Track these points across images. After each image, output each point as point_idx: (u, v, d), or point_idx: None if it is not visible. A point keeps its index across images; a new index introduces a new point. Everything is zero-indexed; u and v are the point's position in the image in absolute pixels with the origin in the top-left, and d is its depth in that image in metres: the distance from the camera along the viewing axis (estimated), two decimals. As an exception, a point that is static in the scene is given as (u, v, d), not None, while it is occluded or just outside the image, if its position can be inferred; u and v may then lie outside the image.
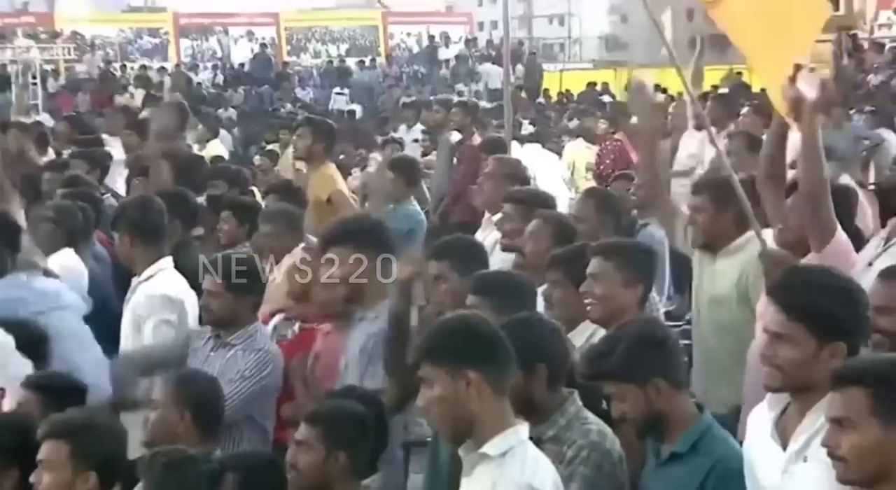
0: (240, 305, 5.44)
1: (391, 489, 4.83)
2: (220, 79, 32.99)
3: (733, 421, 4.65)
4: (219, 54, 35.62)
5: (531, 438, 3.72)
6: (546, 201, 6.55)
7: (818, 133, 4.91)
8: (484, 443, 3.59)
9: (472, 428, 3.59)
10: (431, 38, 36.34)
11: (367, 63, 34.34)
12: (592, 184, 10.97)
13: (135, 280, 6.03)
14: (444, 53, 35.49)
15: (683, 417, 3.91)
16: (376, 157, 15.01)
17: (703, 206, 5.72)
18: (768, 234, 5.27)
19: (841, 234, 5.03)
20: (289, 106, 29.04)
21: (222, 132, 17.73)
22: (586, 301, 4.87)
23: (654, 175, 6.03)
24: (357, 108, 29.72)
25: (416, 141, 15.73)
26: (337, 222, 5.72)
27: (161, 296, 5.87)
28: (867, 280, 4.38)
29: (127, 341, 5.95)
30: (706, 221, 5.70)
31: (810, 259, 4.99)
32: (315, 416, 4.38)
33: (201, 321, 5.74)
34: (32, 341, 5.35)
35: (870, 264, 5.19)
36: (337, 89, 30.80)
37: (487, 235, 7.06)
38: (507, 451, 3.58)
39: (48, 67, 30.05)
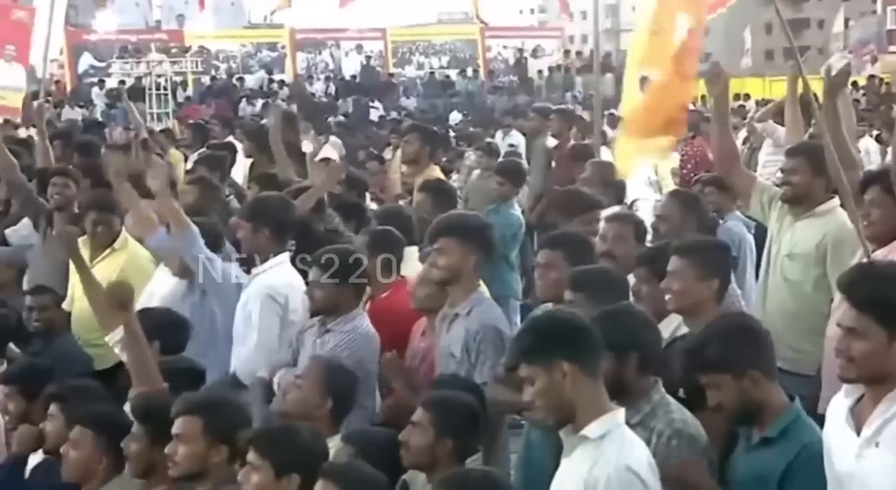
0: (341, 295, 5.48)
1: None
2: (331, 89, 33.26)
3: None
4: (331, 67, 35.89)
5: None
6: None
7: None
8: (583, 426, 3.60)
9: (573, 414, 3.60)
10: (521, 51, 36.34)
11: (469, 73, 34.45)
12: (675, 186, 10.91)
13: (254, 270, 6.11)
14: (537, 65, 35.44)
15: (775, 406, 3.90)
16: (470, 156, 15.04)
17: (800, 168, 5.76)
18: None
19: None
20: (394, 114, 29.19)
21: (332, 138, 17.85)
22: (666, 296, 4.86)
23: (728, 142, 6.02)
24: (458, 115, 29.77)
25: (511, 146, 15.71)
26: (446, 215, 5.79)
27: (268, 286, 5.95)
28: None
29: (239, 326, 6.03)
30: (801, 181, 5.76)
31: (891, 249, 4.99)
32: (431, 401, 4.43)
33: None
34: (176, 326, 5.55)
35: None
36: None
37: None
38: (605, 433, 3.58)
39: (177, 79, 30.51)
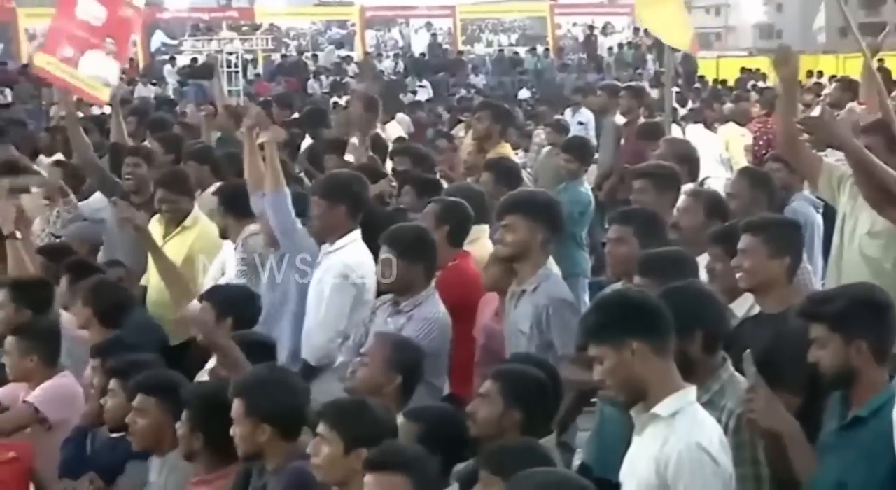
0: (412, 273, 5.45)
1: None
2: (400, 67, 33.30)
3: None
4: (400, 44, 35.93)
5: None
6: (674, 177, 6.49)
7: None
8: (654, 405, 3.58)
9: (644, 392, 3.59)
10: (591, 28, 36.11)
11: (538, 51, 34.33)
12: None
13: (324, 247, 6.07)
14: (607, 42, 35.23)
15: (874, 383, 3.80)
16: (540, 134, 14.99)
17: (875, 146, 5.67)
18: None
19: None
20: (463, 91, 29.17)
21: (400, 115, 17.89)
22: (737, 274, 4.81)
23: (792, 126, 5.93)
24: (527, 93, 29.70)
25: (580, 123, 15.64)
26: (515, 192, 5.78)
27: (345, 264, 5.91)
28: None
29: (311, 304, 6.00)
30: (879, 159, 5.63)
31: None
32: (499, 372, 4.42)
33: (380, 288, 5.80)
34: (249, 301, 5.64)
35: None
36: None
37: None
38: (676, 411, 3.57)
39: (248, 57, 30.70)
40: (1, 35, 32.70)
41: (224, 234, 6.66)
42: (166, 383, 4.92)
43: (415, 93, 29.49)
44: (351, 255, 5.96)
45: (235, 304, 5.55)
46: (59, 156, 10.33)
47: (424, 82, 30.93)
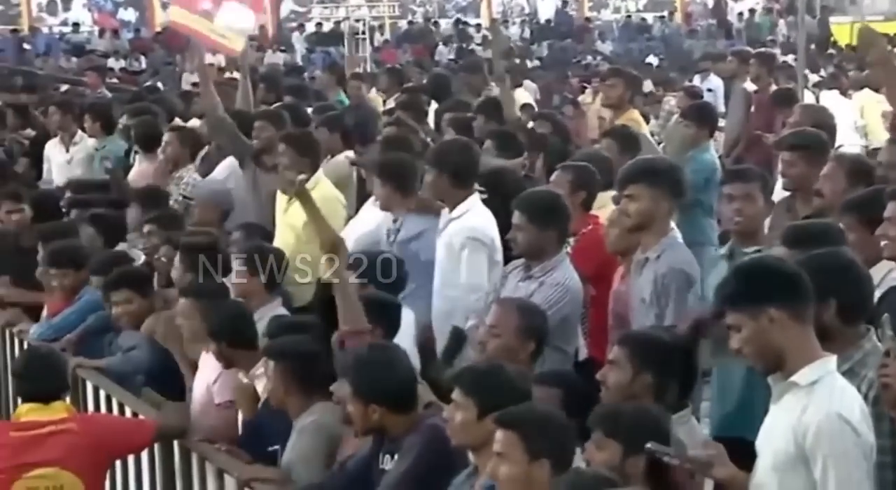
0: (543, 238, 5.45)
1: None
2: (527, 33, 33.17)
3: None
4: (526, 10, 35.77)
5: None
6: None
7: None
8: (793, 373, 3.52)
9: (783, 360, 3.53)
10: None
11: (666, 17, 33.90)
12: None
13: (445, 215, 6.14)
14: (737, 7, 34.60)
15: None
16: (670, 101, 14.82)
17: None
18: None
19: None
20: (589, 58, 28.94)
21: (527, 82, 17.80)
22: (883, 242, 4.69)
23: None
24: (654, 60, 29.33)
25: (709, 90, 15.42)
26: (637, 161, 5.75)
27: (471, 227, 5.99)
28: None
29: (443, 272, 6.07)
30: None
31: None
32: (626, 338, 4.43)
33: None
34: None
35: None
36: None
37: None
38: (816, 380, 3.50)
39: (374, 24, 30.87)
40: (135, 3, 33.38)
41: (387, 207, 6.65)
42: (285, 348, 5.02)
43: (540, 59, 29.33)
44: (474, 218, 6.05)
45: (376, 270, 5.61)
46: (194, 121, 10.53)
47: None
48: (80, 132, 9.89)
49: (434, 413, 4.43)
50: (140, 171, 8.89)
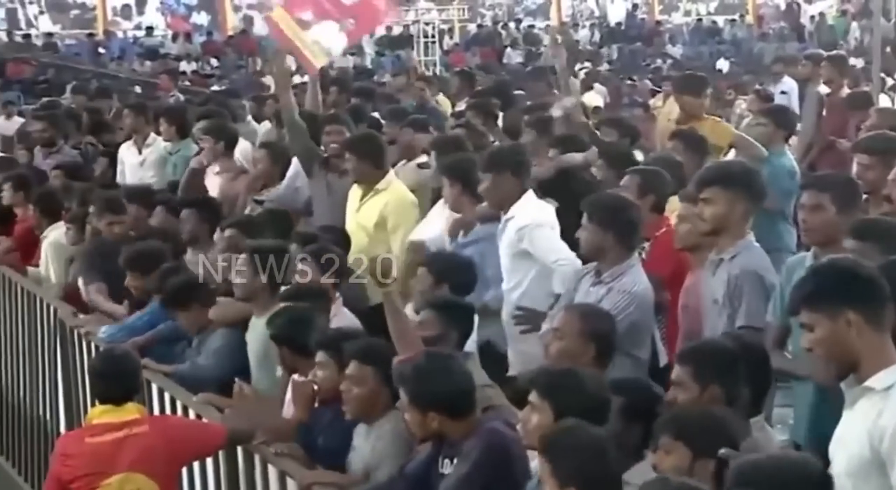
0: (604, 240, 5.41)
1: None
2: (596, 37, 33.07)
3: None
4: (596, 14, 35.65)
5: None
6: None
7: None
8: (867, 377, 3.49)
9: (856, 365, 3.50)
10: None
11: (737, 20, 33.64)
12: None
13: (503, 217, 6.15)
14: (810, 10, 34.24)
15: None
16: (741, 104, 14.66)
17: None
18: None
19: None
20: (659, 61, 28.80)
21: (597, 85, 17.74)
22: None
23: None
24: (725, 63, 29.12)
25: (783, 93, 15.25)
26: (712, 165, 5.71)
27: (531, 216, 6.03)
28: None
29: (509, 272, 6.11)
30: None
31: None
32: (684, 356, 4.33)
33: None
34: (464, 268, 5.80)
35: None
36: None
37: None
38: (891, 385, 3.46)
39: (444, 27, 30.94)
40: (207, 6, 33.74)
41: (456, 208, 6.65)
42: (379, 352, 4.97)
43: (610, 62, 29.22)
44: (531, 210, 6.09)
45: (452, 270, 5.65)
46: (266, 123, 10.58)
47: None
48: (152, 134, 9.98)
49: (493, 416, 4.43)
50: (214, 180, 8.77)
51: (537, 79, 10.74)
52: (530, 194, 6.21)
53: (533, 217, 6.06)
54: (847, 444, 3.52)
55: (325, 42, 8.48)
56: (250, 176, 8.51)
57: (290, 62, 9.75)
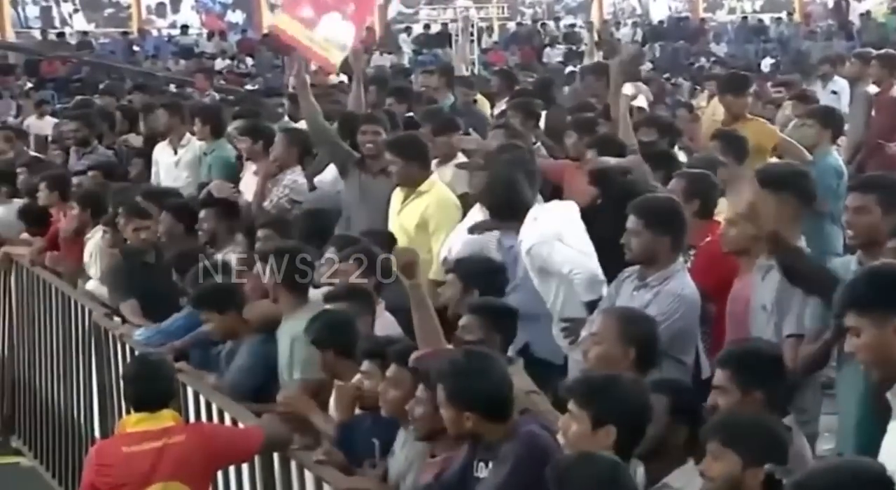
0: (658, 244, 5.36)
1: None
2: (639, 35, 32.94)
3: None
4: (638, 11, 35.54)
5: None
6: None
7: None
8: None
9: None
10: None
11: (784, 18, 33.43)
12: None
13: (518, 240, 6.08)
14: (860, 8, 33.96)
15: None
16: (789, 106, 14.54)
17: None
18: None
19: None
20: (703, 60, 28.64)
21: (640, 84, 17.63)
22: None
23: None
24: (767, 62, 28.93)
25: (833, 93, 15.11)
26: (760, 169, 5.65)
27: (548, 226, 5.94)
28: None
29: (542, 292, 6.02)
30: None
31: None
32: (724, 360, 4.32)
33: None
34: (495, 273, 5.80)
35: None
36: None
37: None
38: None
39: (483, 25, 30.91)
40: (242, 5, 33.88)
41: None
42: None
43: (652, 61, 29.11)
44: (533, 229, 5.97)
45: (482, 275, 5.63)
46: (303, 122, 10.55)
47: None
48: (187, 134, 9.98)
49: (530, 419, 4.40)
50: (252, 179, 8.72)
51: (598, 76, 10.46)
52: (540, 204, 6.15)
53: (537, 235, 5.96)
54: (893, 456, 3.45)
55: (334, 36, 8.49)
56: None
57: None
